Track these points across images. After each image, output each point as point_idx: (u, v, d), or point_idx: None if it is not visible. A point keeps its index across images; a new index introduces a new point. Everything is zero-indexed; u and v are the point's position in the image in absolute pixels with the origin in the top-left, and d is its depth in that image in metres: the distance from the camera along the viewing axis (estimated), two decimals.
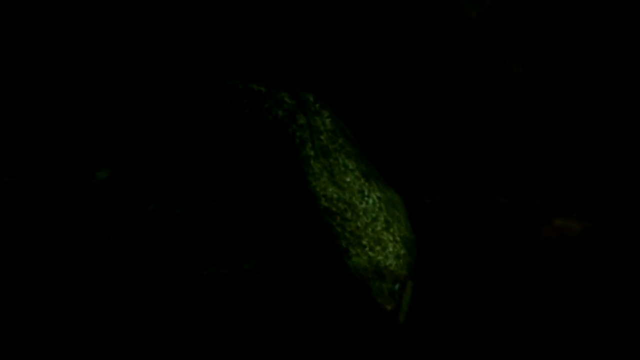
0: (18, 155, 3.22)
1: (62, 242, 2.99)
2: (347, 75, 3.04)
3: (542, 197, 2.91)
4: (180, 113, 3.04)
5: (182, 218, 3.02)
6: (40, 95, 3.45)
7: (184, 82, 3.02)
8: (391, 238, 2.46)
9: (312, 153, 2.60)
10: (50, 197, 3.07)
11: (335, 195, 2.50)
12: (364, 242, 2.45)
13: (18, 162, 3.16)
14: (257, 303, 2.72)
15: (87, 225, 3.02)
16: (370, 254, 2.43)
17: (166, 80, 3.12)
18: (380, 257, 2.43)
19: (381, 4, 3.11)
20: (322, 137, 2.65)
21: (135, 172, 3.15)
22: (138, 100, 3.17)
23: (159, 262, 2.98)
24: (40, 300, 2.81)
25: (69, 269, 2.96)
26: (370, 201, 2.51)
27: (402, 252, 2.46)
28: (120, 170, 3.14)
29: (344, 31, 3.06)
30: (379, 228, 2.47)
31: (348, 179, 2.53)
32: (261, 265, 2.83)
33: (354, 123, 2.86)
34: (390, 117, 3.01)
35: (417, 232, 2.77)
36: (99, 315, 2.77)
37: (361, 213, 2.47)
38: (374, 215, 2.48)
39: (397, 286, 2.40)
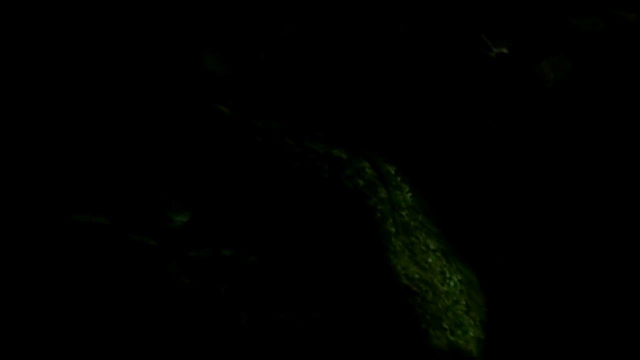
0: (99, 195, 3.25)
1: (142, 285, 3.03)
2: (425, 146, 3.05)
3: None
4: (263, 166, 3.06)
5: (257, 266, 3.05)
6: (120, 136, 3.47)
7: (267, 137, 3.04)
8: (472, 322, 2.46)
9: (393, 230, 2.62)
10: (131, 240, 3.12)
11: (417, 276, 2.51)
12: (445, 325, 2.46)
13: (100, 202, 3.20)
14: (324, 355, 2.75)
15: (165, 269, 3.06)
16: (451, 338, 2.44)
17: (248, 134, 3.14)
18: (461, 342, 2.44)
19: (461, 78, 3.10)
20: (404, 214, 2.67)
21: (213, 216, 3.19)
22: (220, 150, 3.20)
23: (232, 306, 3.02)
24: (121, 341, 2.85)
25: (147, 312, 3.00)
26: (452, 284, 2.52)
27: (483, 337, 2.46)
28: (199, 214, 3.17)
29: (427, 106, 3.05)
30: (460, 312, 2.48)
31: (430, 260, 2.55)
32: (330, 317, 2.86)
33: (429, 191, 2.88)
34: (469, 186, 3.02)
35: (491, 296, 2.79)
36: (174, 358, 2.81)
37: (443, 296, 2.48)
38: (455, 298, 2.49)
39: None
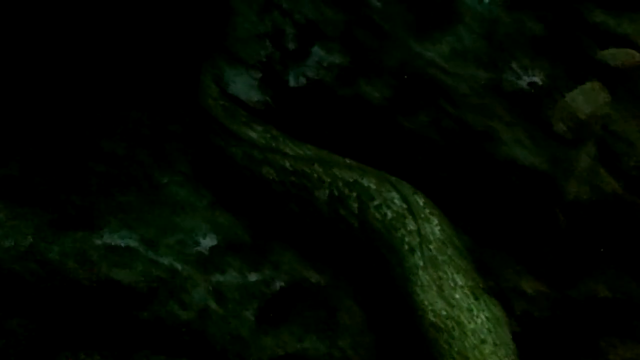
0: (128, 217, 3.25)
1: (168, 308, 3.02)
2: (456, 178, 3.01)
3: None
4: (291, 192, 3.03)
5: (283, 291, 3.02)
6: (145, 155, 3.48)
7: (296, 164, 3.01)
8: None
9: (420, 263, 2.56)
10: (159, 263, 3.11)
11: (443, 312, 2.44)
12: None
13: (128, 225, 3.19)
14: None
15: (192, 293, 3.04)
16: None
17: (277, 160, 3.12)
18: None
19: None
20: (432, 247, 2.61)
21: (240, 241, 3.16)
22: (251, 174, 3.18)
23: (258, 332, 2.99)
24: None
25: (173, 336, 2.98)
26: (479, 321, 2.46)
27: None
28: (226, 238, 3.15)
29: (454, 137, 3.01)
30: (487, 351, 2.40)
31: (457, 296, 2.49)
32: (354, 350, 2.82)
33: (458, 222, 2.84)
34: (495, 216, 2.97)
35: (520, 325, 2.73)
36: None
37: (469, 333, 2.42)
38: (482, 336, 2.42)
39: None
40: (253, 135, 3.12)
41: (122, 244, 3.05)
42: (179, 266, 3.02)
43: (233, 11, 3.27)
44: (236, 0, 3.25)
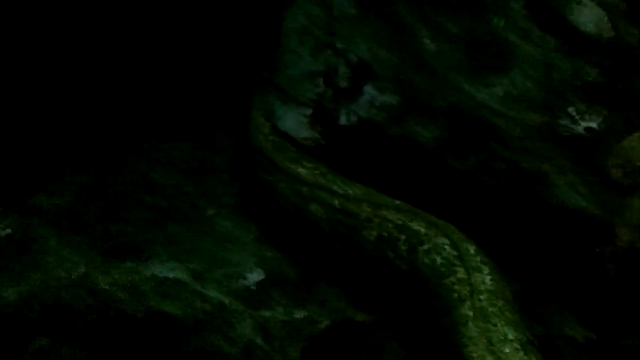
0: (176, 249, 3.24)
1: (214, 343, 2.99)
2: (506, 221, 2.93)
3: None
4: (339, 231, 2.99)
5: (328, 330, 2.97)
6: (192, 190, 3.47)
7: (345, 203, 2.96)
8: None
9: (470, 314, 2.45)
10: (206, 294, 3.08)
11: None
12: None
13: (177, 257, 3.18)
14: None
15: (238, 328, 3.00)
16: None
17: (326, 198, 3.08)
18: None
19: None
20: (482, 297, 2.51)
21: (286, 277, 3.12)
22: (299, 211, 3.14)
23: None
24: None
25: None
26: None
27: None
28: (273, 273, 3.12)
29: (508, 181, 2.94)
30: None
31: (507, 350, 2.37)
32: None
33: (510, 271, 2.76)
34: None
35: None
36: None
37: None
38: None
39: None
40: (302, 171, 3.08)
41: (171, 276, 3.02)
42: (226, 300, 2.98)
43: (286, 49, 3.25)
44: (290, 38, 3.24)
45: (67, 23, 3.43)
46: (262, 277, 3.11)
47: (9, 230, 3.08)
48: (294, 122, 3.22)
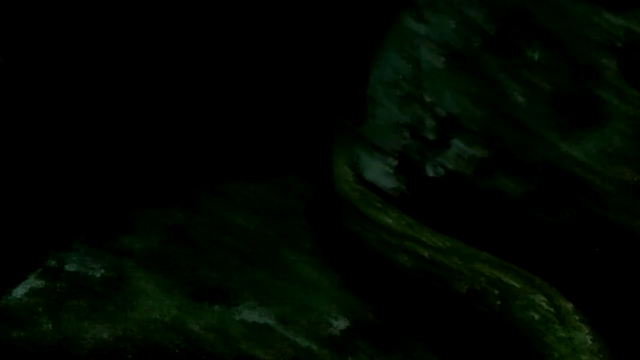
0: (262, 294, 3.23)
1: None
2: (599, 278, 2.87)
3: None
4: (428, 281, 2.95)
5: None
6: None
7: (434, 254, 2.92)
8: None
9: None
10: (295, 341, 3.06)
11: None
12: None
13: (264, 302, 3.16)
14: None
15: None
16: None
17: (414, 248, 3.04)
18: None
19: None
20: (584, 358, 2.48)
21: (371, 326, 3.08)
22: (382, 261, 3.11)
23: None
24: None
25: None
26: None
27: None
28: (358, 322, 3.08)
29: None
30: None
31: None
32: None
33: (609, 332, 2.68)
34: None
35: None
36: None
37: None
38: None
39: None
40: (389, 221, 3.06)
41: (259, 321, 3.01)
42: (314, 347, 2.94)
43: (372, 100, 3.26)
44: (377, 90, 3.25)
45: (154, 70, 3.49)
46: (347, 324, 3.07)
47: (103, 271, 3.11)
48: (379, 172, 3.21)
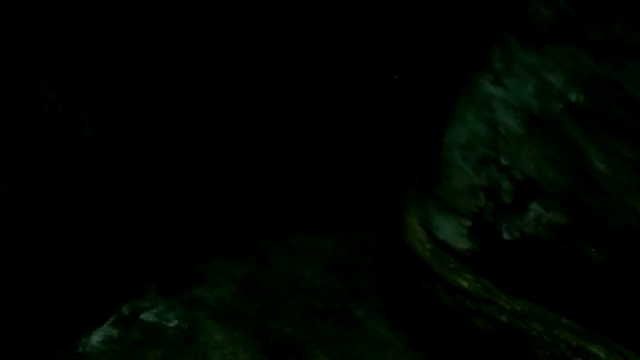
0: (333, 352, 3.16)
1: None
2: None
3: None
4: (506, 349, 2.87)
5: None
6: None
7: (513, 319, 2.84)
8: None
9: None
10: None
11: None
12: None
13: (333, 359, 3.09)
14: None
15: None
16: None
17: (489, 313, 2.96)
18: None
19: None
20: None
21: None
22: (464, 325, 3.04)
23: None
24: None
25: None
26: None
27: None
28: None
29: None
30: None
31: None
32: None
33: None
34: None
35: None
36: None
37: None
38: None
39: None
40: (464, 283, 3.00)
41: None
42: None
43: (447, 161, 3.24)
44: (452, 151, 3.23)
45: (225, 121, 3.52)
46: None
47: (176, 322, 3.08)
48: (453, 232, 3.17)
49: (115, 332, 3.00)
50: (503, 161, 3.11)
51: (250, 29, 3.23)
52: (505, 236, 3.05)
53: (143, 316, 3.08)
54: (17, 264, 3.10)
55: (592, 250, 2.86)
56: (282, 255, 3.56)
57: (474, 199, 3.13)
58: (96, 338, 2.97)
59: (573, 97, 2.99)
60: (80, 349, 2.89)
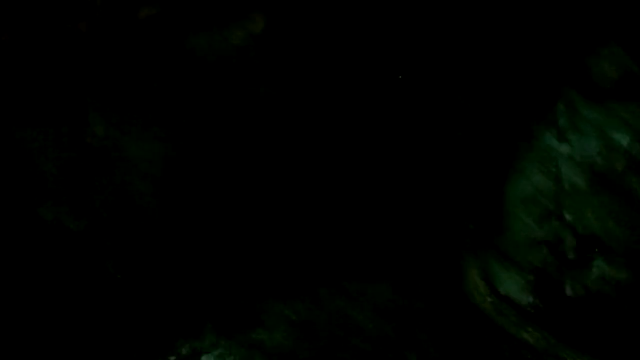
0: None
1: None
2: None
3: None
4: None
5: None
6: None
7: None
8: None
9: None
10: None
11: None
12: None
13: None
14: None
15: None
16: None
17: None
18: None
19: None
20: None
21: None
22: None
23: None
24: None
25: None
26: None
27: None
28: None
29: None
30: None
31: None
32: None
33: None
34: None
35: None
36: None
37: None
38: None
39: None
40: (528, 338, 2.95)
41: None
42: None
43: (509, 214, 3.22)
44: (514, 204, 3.22)
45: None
46: None
47: None
48: (514, 286, 3.12)
49: None
50: (567, 216, 3.08)
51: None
52: (569, 292, 3.00)
53: (204, 358, 3.07)
54: (76, 301, 3.12)
55: None
56: (338, 301, 3.53)
57: (537, 253, 3.10)
58: None
59: (638, 155, 2.97)
60: None
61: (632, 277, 2.93)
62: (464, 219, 3.40)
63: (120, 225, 3.21)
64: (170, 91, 3.28)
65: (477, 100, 3.33)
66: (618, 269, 2.95)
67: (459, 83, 3.35)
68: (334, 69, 3.37)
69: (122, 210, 3.24)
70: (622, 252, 2.96)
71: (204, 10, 3.44)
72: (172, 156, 3.24)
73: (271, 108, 3.33)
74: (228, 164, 3.36)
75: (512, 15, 3.33)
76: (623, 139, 3.04)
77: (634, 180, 3.01)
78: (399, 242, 3.57)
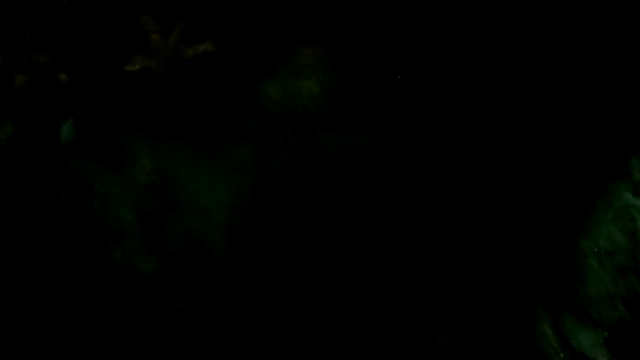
0: None
1: None
2: None
3: None
4: None
5: None
6: None
7: None
8: None
9: None
10: None
11: None
12: None
13: None
14: None
15: None
16: None
17: None
18: None
19: None
20: None
21: None
22: None
23: None
24: None
25: None
26: None
27: None
28: None
29: None
30: None
31: None
32: None
33: None
34: None
35: None
36: None
37: None
38: None
39: None
40: None
41: None
42: None
43: (583, 268, 3.14)
44: (589, 258, 3.13)
45: None
46: None
47: None
48: (589, 342, 3.01)
49: None
50: None
51: None
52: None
53: None
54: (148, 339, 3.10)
55: None
56: (408, 358, 3.46)
57: (612, 309, 2.98)
58: None
59: None
60: None
61: None
62: (537, 272, 3.32)
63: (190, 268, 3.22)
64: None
65: (554, 155, 3.29)
66: None
67: (538, 145, 3.31)
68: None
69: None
70: None
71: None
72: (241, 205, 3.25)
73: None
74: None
75: (586, 78, 3.29)
76: None
77: None
78: (472, 295, 3.50)
